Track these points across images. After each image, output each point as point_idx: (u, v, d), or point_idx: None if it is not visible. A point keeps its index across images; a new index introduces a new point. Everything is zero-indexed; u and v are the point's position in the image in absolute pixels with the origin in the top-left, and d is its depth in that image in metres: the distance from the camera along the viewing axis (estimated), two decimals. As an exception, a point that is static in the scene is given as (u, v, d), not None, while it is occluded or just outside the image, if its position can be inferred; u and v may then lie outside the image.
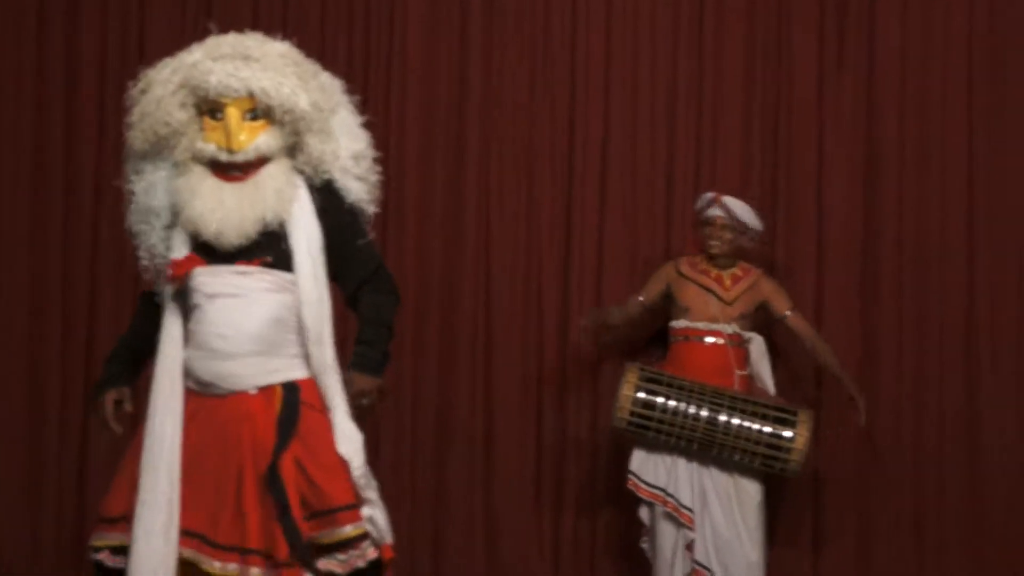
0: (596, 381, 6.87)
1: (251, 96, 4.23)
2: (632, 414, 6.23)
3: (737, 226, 6.40)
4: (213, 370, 4.22)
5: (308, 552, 4.06)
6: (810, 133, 6.98)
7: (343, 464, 4.18)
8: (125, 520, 4.12)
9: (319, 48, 6.54)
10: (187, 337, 4.25)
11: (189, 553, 4.12)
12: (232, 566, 4.09)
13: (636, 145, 6.96)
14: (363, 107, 4.50)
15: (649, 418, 6.22)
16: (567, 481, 7.00)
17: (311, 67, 4.40)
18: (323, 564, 4.15)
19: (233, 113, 4.24)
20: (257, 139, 4.27)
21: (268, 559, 4.08)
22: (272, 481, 4.08)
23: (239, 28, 4.47)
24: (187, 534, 4.14)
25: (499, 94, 6.98)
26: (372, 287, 4.40)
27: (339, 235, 4.32)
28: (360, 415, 4.29)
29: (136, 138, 4.32)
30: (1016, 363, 6.84)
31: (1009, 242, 6.86)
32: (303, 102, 4.27)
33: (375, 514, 4.19)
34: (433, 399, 6.86)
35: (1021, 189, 6.87)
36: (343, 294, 4.37)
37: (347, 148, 4.38)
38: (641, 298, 6.54)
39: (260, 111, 4.25)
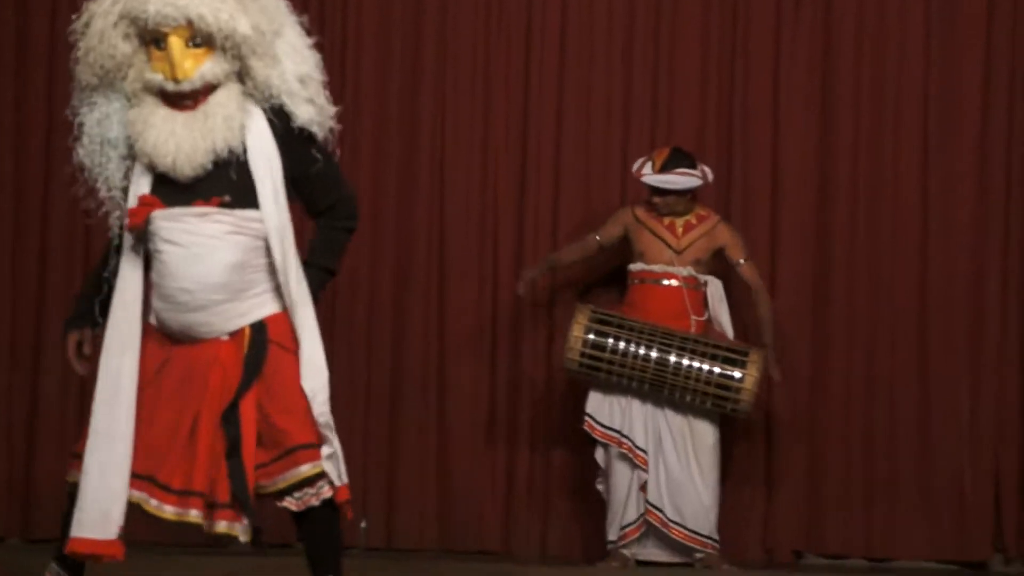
0: (551, 322, 7.01)
1: (190, 23, 4.25)
2: (583, 355, 6.37)
3: (679, 192, 6.56)
4: (182, 321, 4.27)
5: (247, 494, 4.12)
6: (766, 77, 7.14)
7: (306, 403, 4.24)
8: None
9: None
10: (150, 284, 4.31)
11: (138, 495, 4.19)
12: (170, 508, 4.17)
13: (592, 86, 7.09)
14: (317, 27, 4.51)
15: (600, 359, 6.35)
16: (521, 422, 7.15)
17: None
18: (280, 503, 4.21)
19: (175, 42, 4.25)
20: (202, 66, 4.27)
21: (208, 501, 4.16)
22: (228, 419, 4.14)
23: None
24: (137, 476, 4.20)
25: (456, 27, 7.07)
26: (327, 220, 4.46)
27: (294, 162, 4.37)
28: None
29: (84, 72, 4.35)
30: (966, 294, 7.07)
31: (963, 176, 7.06)
32: (243, 26, 4.27)
33: (334, 453, 4.25)
34: (387, 339, 6.99)
35: (974, 124, 7.04)
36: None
37: (293, 71, 4.38)
38: (598, 238, 6.66)
39: (202, 38, 4.26)
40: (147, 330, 4.31)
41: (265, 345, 4.24)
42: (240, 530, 4.15)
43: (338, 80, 6.51)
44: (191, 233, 4.29)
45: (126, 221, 4.31)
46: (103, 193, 4.39)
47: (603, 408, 6.59)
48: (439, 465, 7.12)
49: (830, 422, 7.15)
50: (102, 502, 4.15)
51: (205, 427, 4.15)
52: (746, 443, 7.06)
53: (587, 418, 6.56)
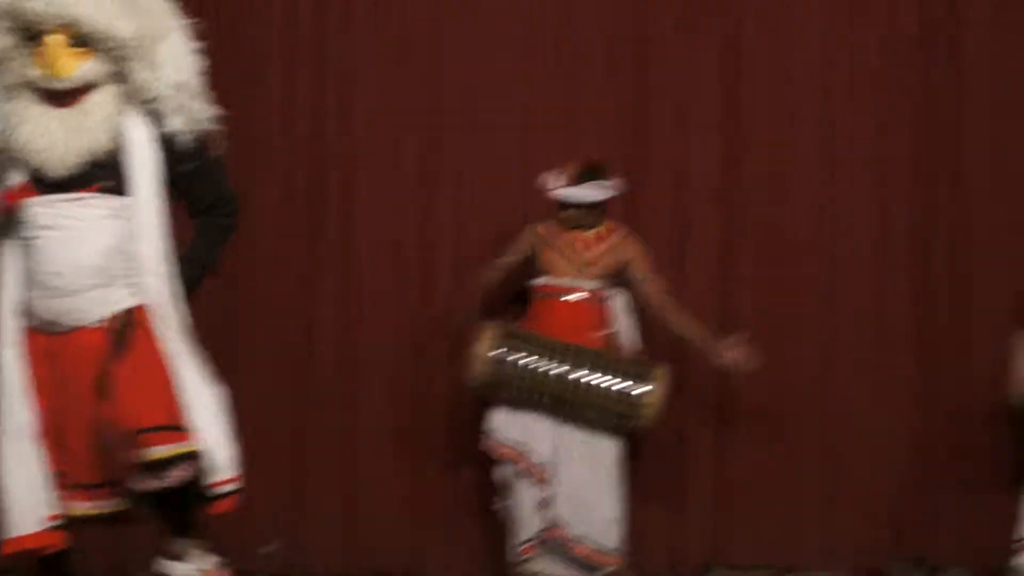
0: (457, 339, 7.04)
1: (72, 23, 4.38)
2: (488, 372, 6.48)
3: (590, 206, 6.71)
4: (53, 309, 4.40)
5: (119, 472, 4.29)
6: (670, 87, 7.28)
7: (166, 386, 4.33)
8: None
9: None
10: (25, 275, 4.43)
11: (67, 505, 4.39)
12: (87, 504, 4.41)
13: (496, 94, 7.24)
14: (209, 32, 4.65)
15: (504, 375, 6.48)
16: (427, 443, 7.23)
17: None
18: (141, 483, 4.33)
19: (54, 40, 4.39)
20: (81, 66, 4.43)
21: (89, 487, 4.36)
22: (100, 393, 4.30)
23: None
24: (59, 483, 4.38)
25: (364, 53, 7.19)
26: (205, 218, 4.62)
27: (169, 162, 4.51)
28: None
29: None
30: (870, 313, 7.27)
31: (862, 196, 7.27)
32: (124, 29, 4.43)
33: (208, 444, 4.38)
34: (296, 356, 7.03)
35: (868, 139, 7.25)
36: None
37: (170, 76, 4.54)
38: (512, 257, 6.79)
39: (82, 37, 4.41)
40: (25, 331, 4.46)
41: (132, 326, 4.38)
42: (182, 447, 4.28)
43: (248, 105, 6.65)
44: (67, 217, 4.44)
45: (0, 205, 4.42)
46: None
47: (505, 424, 6.66)
48: (345, 483, 7.14)
49: (735, 435, 7.28)
50: (25, 498, 4.33)
51: (85, 419, 4.33)
52: (652, 456, 7.12)
53: (487, 434, 6.66)
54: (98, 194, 4.50)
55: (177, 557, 4.57)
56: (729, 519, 7.24)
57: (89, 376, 4.43)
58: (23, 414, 4.41)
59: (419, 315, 7.24)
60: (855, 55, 7.37)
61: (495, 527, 6.89)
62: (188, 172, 4.61)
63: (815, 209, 7.36)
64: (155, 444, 4.29)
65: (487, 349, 6.45)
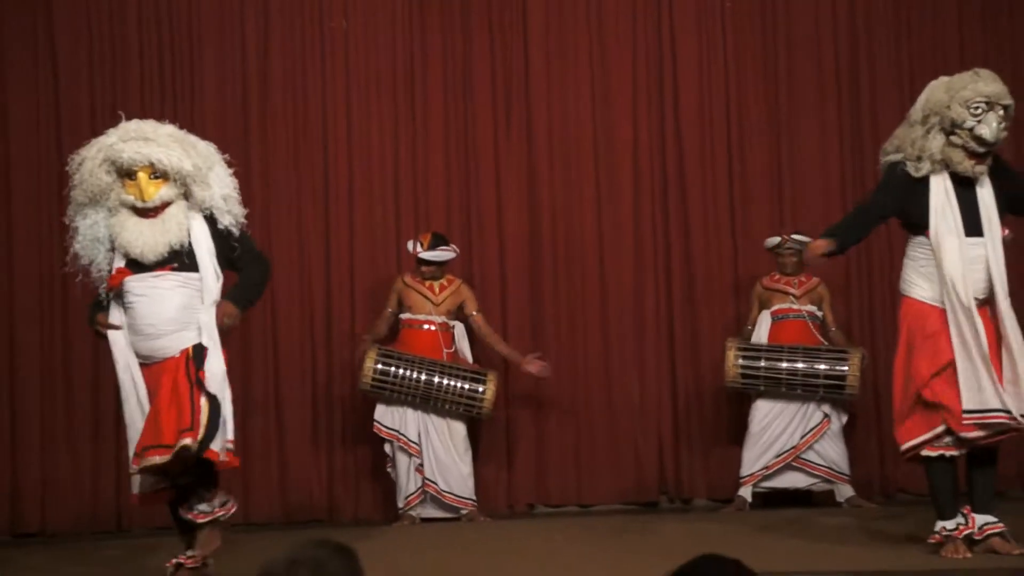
0: (352, 356, 8.07)
1: (151, 164, 5.44)
2: (373, 380, 7.59)
3: (436, 264, 7.87)
4: (148, 346, 5.53)
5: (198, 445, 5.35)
6: (490, 174, 8.46)
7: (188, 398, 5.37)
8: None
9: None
10: (127, 326, 5.52)
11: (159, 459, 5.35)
12: (187, 440, 5.37)
13: (371, 179, 8.26)
14: (234, 160, 5.73)
15: (384, 382, 7.59)
16: (336, 427, 8.21)
17: (191, 139, 5.57)
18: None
19: (142, 176, 5.46)
20: (160, 191, 5.48)
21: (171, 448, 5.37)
22: (199, 386, 5.36)
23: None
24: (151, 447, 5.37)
25: (273, 121, 8.12)
26: (248, 263, 5.69)
27: (222, 245, 5.62)
28: (221, 330, 5.57)
29: (78, 195, 5.53)
30: (632, 315, 8.33)
31: (624, 226, 8.36)
32: (187, 165, 5.49)
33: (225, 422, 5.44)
34: (237, 372, 7.63)
35: (629, 184, 8.37)
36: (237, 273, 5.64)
37: (219, 192, 5.59)
38: (390, 309, 7.90)
39: (159, 172, 5.46)
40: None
41: (204, 351, 5.45)
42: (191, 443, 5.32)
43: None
44: (152, 287, 5.48)
45: (107, 284, 5.52)
46: (94, 273, 5.58)
47: (386, 415, 7.75)
48: (279, 460, 8.08)
49: (549, 409, 8.31)
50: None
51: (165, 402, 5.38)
52: (489, 431, 8.19)
53: (375, 423, 7.73)
54: (171, 271, 5.50)
55: (202, 500, 5.61)
56: (545, 472, 8.31)
57: (165, 384, 5.44)
58: (138, 411, 5.47)
59: (324, 338, 8.16)
60: (612, 129, 8.30)
61: (388, 484, 7.92)
62: (236, 255, 5.62)
63: (594, 243, 8.38)
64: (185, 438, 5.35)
65: (372, 364, 7.53)
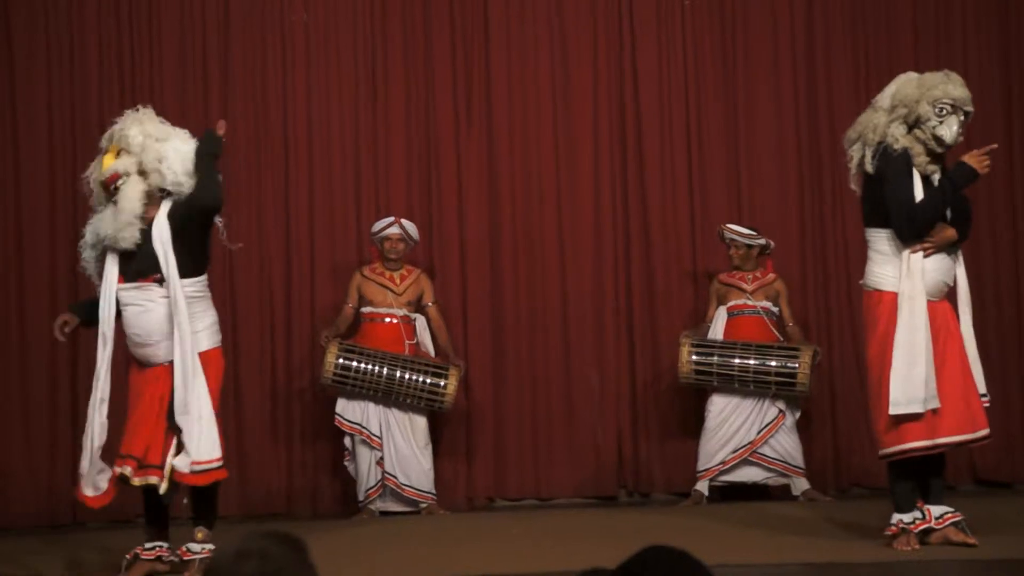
0: (313, 352, 8.21)
1: (113, 138, 5.92)
2: (335, 375, 7.72)
3: (408, 240, 7.96)
4: (139, 352, 5.90)
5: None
6: (451, 168, 8.57)
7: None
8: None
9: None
10: (125, 333, 5.93)
11: (127, 470, 5.74)
12: (153, 479, 5.75)
13: (332, 173, 8.40)
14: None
15: (346, 377, 7.70)
16: (296, 422, 8.31)
17: (161, 123, 5.94)
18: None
19: (107, 156, 5.96)
20: (114, 162, 5.88)
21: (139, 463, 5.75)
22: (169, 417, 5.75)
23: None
24: (123, 456, 5.79)
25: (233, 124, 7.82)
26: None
27: (182, 217, 5.87)
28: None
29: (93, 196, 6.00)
30: (592, 312, 8.44)
31: (585, 226, 8.48)
32: (134, 131, 5.88)
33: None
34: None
35: (589, 187, 8.49)
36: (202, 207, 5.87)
37: (177, 166, 5.87)
38: (350, 304, 7.97)
39: (121, 149, 5.92)
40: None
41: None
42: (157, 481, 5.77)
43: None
44: (135, 299, 5.78)
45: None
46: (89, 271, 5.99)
47: (347, 409, 7.86)
48: (238, 453, 8.00)
49: (508, 404, 8.44)
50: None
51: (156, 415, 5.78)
52: (449, 426, 8.30)
53: (336, 416, 7.83)
54: (155, 284, 5.80)
55: (197, 534, 5.94)
56: (504, 467, 8.41)
57: (154, 395, 5.78)
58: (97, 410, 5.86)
59: (285, 336, 8.24)
60: (574, 132, 8.42)
61: (347, 478, 8.02)
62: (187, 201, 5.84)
63: (554, 237, 8.48)
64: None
65: (334, 359, 7.66)
